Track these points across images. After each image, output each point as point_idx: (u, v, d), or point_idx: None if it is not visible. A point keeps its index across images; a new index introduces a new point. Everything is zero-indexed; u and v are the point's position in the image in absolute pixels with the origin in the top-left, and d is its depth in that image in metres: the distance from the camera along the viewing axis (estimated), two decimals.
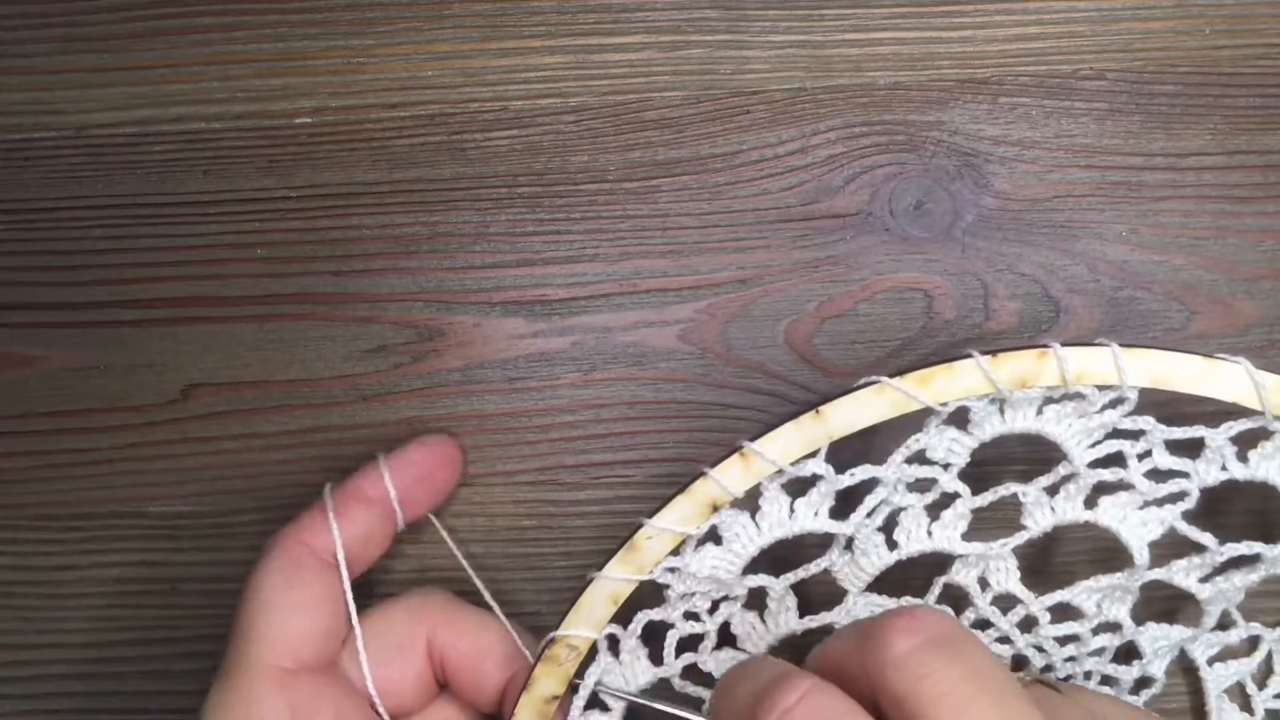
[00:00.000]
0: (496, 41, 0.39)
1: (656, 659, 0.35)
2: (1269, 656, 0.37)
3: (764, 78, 0.39)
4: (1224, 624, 0.37)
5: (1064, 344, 0.32)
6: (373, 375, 0.39)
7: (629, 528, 0.33)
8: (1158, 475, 0.33)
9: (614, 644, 0.34)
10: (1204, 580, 0.35)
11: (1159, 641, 0.36)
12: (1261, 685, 0.37)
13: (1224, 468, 0.33)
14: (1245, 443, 0.33)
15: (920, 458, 0.33)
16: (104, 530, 0.39)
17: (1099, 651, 0.36)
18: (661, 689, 0.35)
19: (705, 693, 0.35)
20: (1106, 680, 0.37)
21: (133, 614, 0.39)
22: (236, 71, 0.39)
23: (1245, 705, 0.37)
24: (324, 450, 0.38)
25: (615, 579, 0.33)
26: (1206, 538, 0.34)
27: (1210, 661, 0.37)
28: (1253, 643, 0.37)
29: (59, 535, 0.39)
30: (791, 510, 0.33)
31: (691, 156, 0.38)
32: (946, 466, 0.33)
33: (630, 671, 0.34)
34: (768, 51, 0.39)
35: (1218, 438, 0.33)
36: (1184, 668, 0.38)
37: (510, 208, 0.39)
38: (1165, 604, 0.38)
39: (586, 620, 0.33)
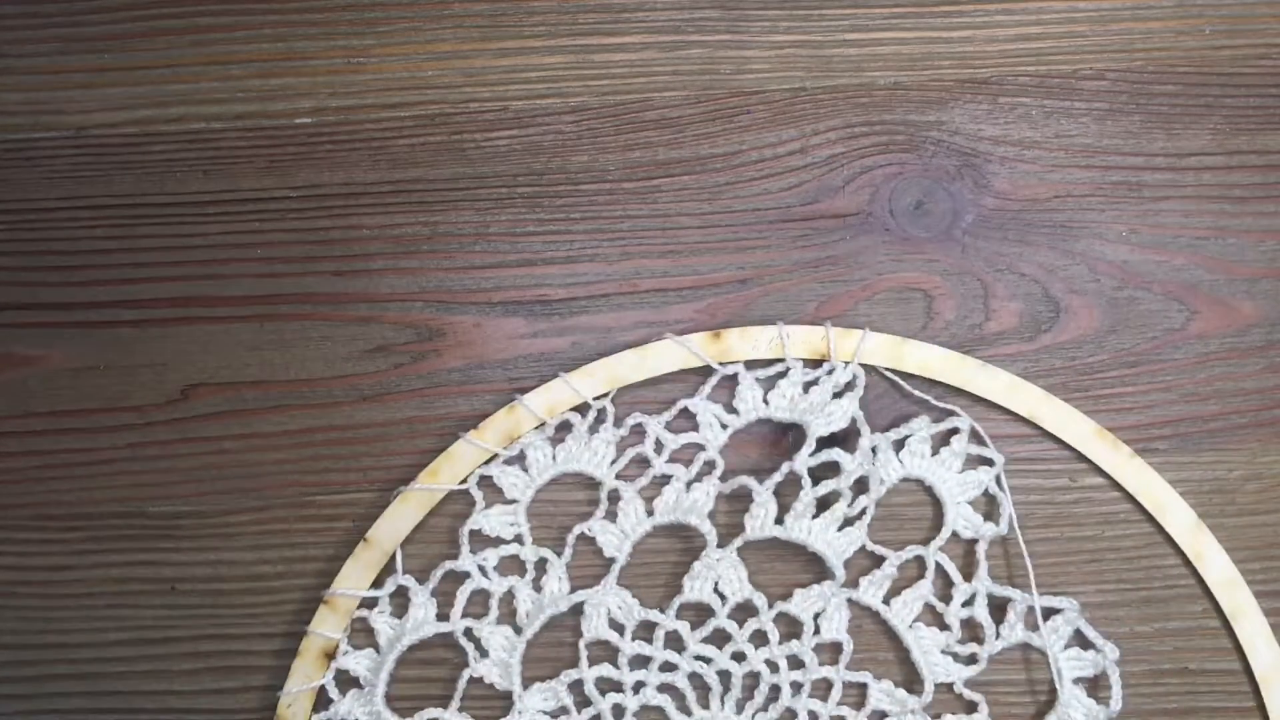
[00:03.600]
0: (496, 41, 0.39)
1: None
2: (941, 570, 0.37)
3: (764, 78, 0.39)
4: (877, 561, 0.37)
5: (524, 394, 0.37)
6: (373, 375, 0.39)
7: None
8: (680, 457, 0.37)
9: None
10: (779, 523, 0.37)
11: (811, 603, 0.37)
12: (945, 599, 0.37)
13: (723, 425, 0.37)
14: (729, 397, 0.37)
15: (484, 538, 0.38)
16: (104, 530, 0.39)
17: (762, 638, 0.37)
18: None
19: None
20: (795, 662, 0.37)
21: (132, 614, 0.39)
22: (236, 71, 0.39)
23: (942, 624, 0.37)
24: (324, 450, 0.38)
25: None
26: (748, 480, 0.37)
27: (887, 600, 0.37)
28: (919, 565, 0.37)
29: (59, 535, 0.39)
30: (404, 628, 0.37)
31: (691, 156, 0.39)
32: (519, 539, 0.37)
33: None
34: (768, 51, 0.39)
35: (697, 403, 0.37)
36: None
37: (510, 208, 0.39)
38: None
39: None
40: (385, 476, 0.38)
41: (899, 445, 0.37)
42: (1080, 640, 0.37)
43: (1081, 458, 0.37)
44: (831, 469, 0.37)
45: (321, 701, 0.38)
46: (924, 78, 0.38)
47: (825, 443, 0.37)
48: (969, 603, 0.37)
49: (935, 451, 0.37)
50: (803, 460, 0.36)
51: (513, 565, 0.38)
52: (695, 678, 0.37)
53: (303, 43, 0.39)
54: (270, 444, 0.39)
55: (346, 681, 0.38)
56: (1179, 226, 0.38)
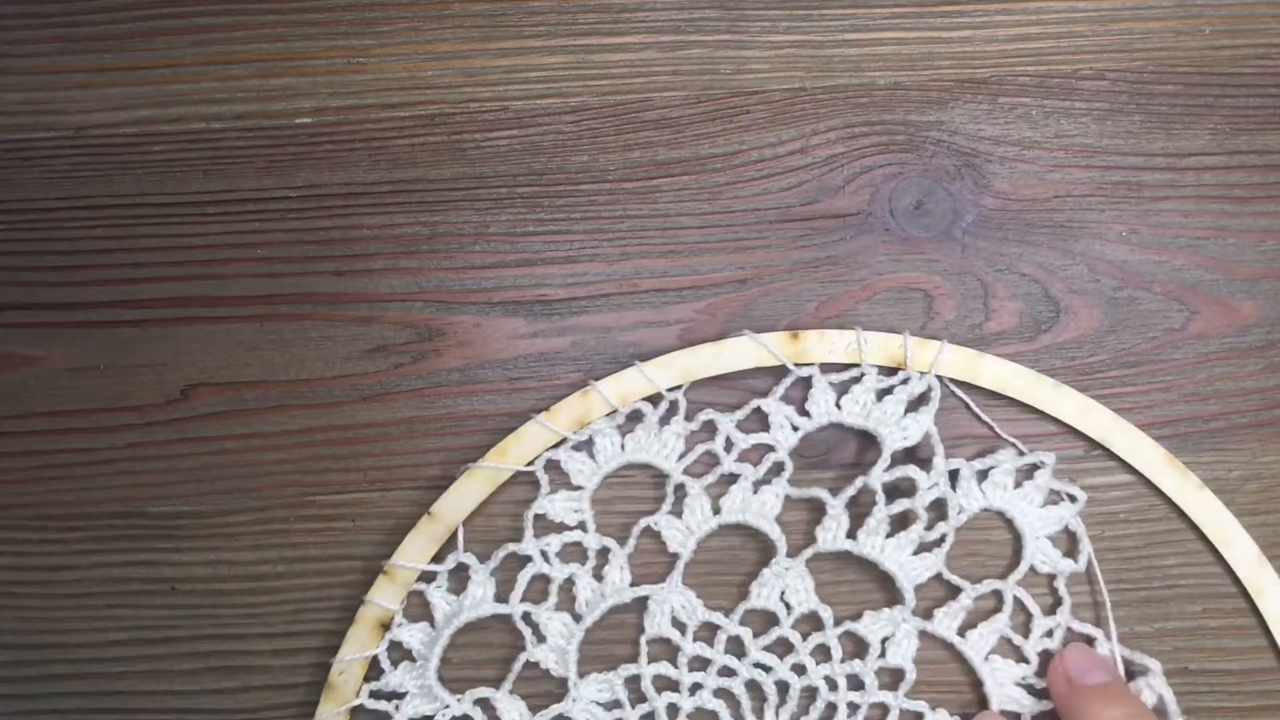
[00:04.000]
0: (496, 41, 0.39)
1: None
2: (1020, 603, 0.37)
3: (764, 78, 0.39)
4: (954, 591, 0.37)
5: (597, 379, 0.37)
6: (373, 375, 0.39)
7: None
8: (750, 456, 0.37)
9: None
10: (850, 536, 0.37)
11: (880, 628, 0.37)
12: (1025, 633, 0.37)
13: (794, 428, 0.37)
14: (801, 398, 0.37)
15: (548, 523, 0.37)
16: (104, 530, 0.39)
17: (825, 654, 0.37)
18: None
19: None
20: (855, 682, 0.37)
21: (132, 614, 0.39)
22: (236, 71, 0.39)
23: (1020, 657, 0.37)
24: (324, 450, 0.38)
25: (328, 717, 0.37)
26: (818, 492, 0.37)
27: (961, 632, 0.37)
28: (997, 598, 0.37)
29: (59, 535, 0.39)
30: (461, 605, 0.37)
31: (691, 156, 0.39)
32: (582, 526, 0.37)
33: None
34: (768, 51, 0.39)
35: (770, 404, 0.37)
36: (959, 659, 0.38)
37: (510, 208, 0.39)
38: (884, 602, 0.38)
39: None
40: (385, 477, 0.38)
41: (982, 475, 0.37)
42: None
43: (1146, 482, 0.37)
44: (903, 483, 0.37)
45: (373, 672, 0.37)
46: (924, 78, 0.38)
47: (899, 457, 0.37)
48: (1048, 635, 0.37)
49: (1018, 485, 0.37)
50: (877, 476, 0.36)
51: (574, 552, 0.38)
52: (752, 686, 0.37)
53: (303, 43, 0.39)
54: (270, 444, 0.39)
55: (399, 654, 0.38)
56: (1179, 226, 0.38)
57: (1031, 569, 0.37)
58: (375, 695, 0.37)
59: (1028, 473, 0.37)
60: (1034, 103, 0.38)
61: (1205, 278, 0.38)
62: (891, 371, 0.37)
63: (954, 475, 0.37)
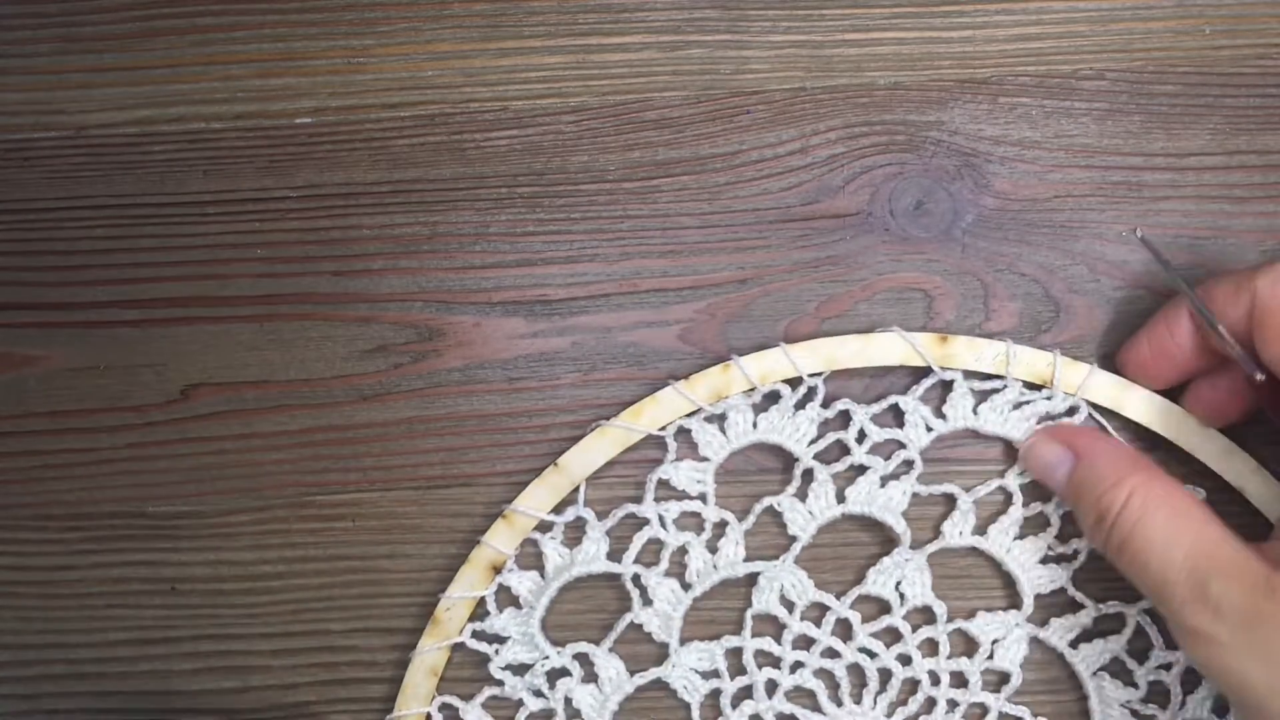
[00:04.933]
0: (496, 41, 0.39)
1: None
2: (1141, 630, 0.37)
3: (764, 78, 0.39)
4: (1075, 607, 0.37)
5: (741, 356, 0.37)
6: (373, 375, 0.39)
7: None
8: (880, 450, 0.37)
9: (454, 714, 0.38)
10: (978, 533, 0.37)
11: (992, 628, 0.37)
12: (1142, 660, 0.37)
13: (928, 428, 0.37)
14: (938, 400, 0.37)
15: (670, 489, 0.37)
16: (104, 530, 0.39)
17: (932, 647, 0.37)
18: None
19: None
20: (959, 679, 0.37)
21: (132, 614, 0.39)
22: (236, 71, 0.39)
23: (1129, 681, 0.37)
24: (324, 450, 0.38)
25: (428, 651, 0.37)
26: (951, 487, 0.37)
27: (1074, 644, 0.37)
28: (1119, 620, 0.37)
29: (59, 535, 0.39)
30: (573, 559, 0.37)
31: (691, 156, 0.39)
32: (704, 498, 0.37)
33: None
34: (768, 51, 0.39)
35: (909, 401, 0.37)
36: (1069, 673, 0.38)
37: (510, 208, 0.39)
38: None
39: (414, 697, 0.38)
40: (385, 477, 0.38)
41: None
42: None
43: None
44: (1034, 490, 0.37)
45: (478, 615, 0.38)
46: (924, 78, 0.38)
47: None
48: (1165, 667, 0.37)
49: None
50: (1013, 478, 0.37)
51: (691, 522, 0.37)
52: (854, 670, 0.37)
53: (303, 43, 0.39)
54: (270, 444, 0.39)
55: (506, 600, 0.38)
56: (1179, 226, 0.38)
57: None
58: (477, 636, 0.37)
59: None
60: (1034, 103, 0.38)
61: (1205, 278, 0.38)
62: (1035, 387, 0.37)
63: None
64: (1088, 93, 0.38)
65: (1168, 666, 0.37)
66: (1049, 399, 0.36)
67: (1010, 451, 0.37)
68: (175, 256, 0.39)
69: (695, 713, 0.37)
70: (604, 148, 0.39)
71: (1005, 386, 0.37)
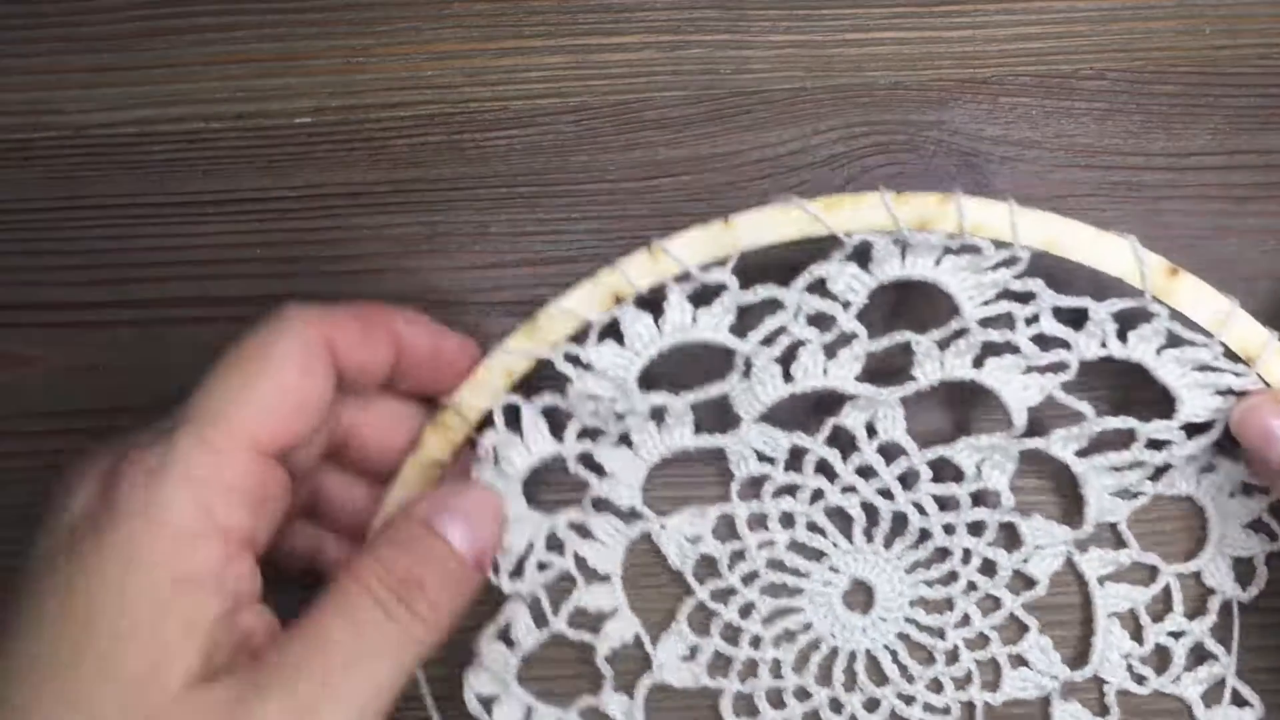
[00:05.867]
0: (496, 41, 0.39)
1: (557, 437, 0.35)
2: (1167, 591, 0.37)
3: (764, 78, 0.39)
4: (1118, 543, 0.37)
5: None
6: None
7: None
8: (1042, 341, 0.35)
9: (513, 420, 0.35)
10: (1081, 455, 0.36)
11: (1040, 534, 0.37)
12: (1158, 619, 0.37)
13: (1104, 344, 0.34)
14: (1126, 322, 0.34)
15: (821, 288, 0.34)
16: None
17: (978, 528, 0.37)
18: (555, 467, 0.36)
19: (594, 479, 0.36)
20: (987, 565, 0.37)
21: None
22: (236, 71, 0.39)
23: (1136, 634, 0.37)
24: None
25: (513, 353, 0.34)
26: (1084, 406, 0.35)
27: (1101, 580, 0.37)
28: (1151, 573, 0.37)
29: None
30: (694, 319, 0.34)
31: (691, 156, 0.38)
32: (846, 305, 0.34)
33: (529, 441, 0.35)
34: (768, 51, 0.39)
35: (1101, 311, 0.34)
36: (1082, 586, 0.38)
37: (510, 208, 0.39)
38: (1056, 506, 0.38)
39: (481, 392, 0.34)
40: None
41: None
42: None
43: None
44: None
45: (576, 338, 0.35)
46: (924, 78, 0.38)
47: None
48: (1176, 635, 0.37)
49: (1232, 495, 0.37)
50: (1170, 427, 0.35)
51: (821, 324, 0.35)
52: (894, 517, 0.37)
53: (303, 43, 0.39)
54: None
55: (613, 338, 0.34)
56: (1179, 226, 0.38)
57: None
58: (568, 358, 0.34)
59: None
60: (1034, 103, 0.38)
61: (1206, 278, 0.38)
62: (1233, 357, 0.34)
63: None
64: (1088, 93, 0.38)
65: (1178, 635, 0.37)
66: (1239, 375, 0.34)
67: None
68: (174, 256, 0.39)
69: (735, 484, 0.37)
70: (604, 148, 0.39)
71: (1208, 346, 0.34)
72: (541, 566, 0.36)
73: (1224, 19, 0.38)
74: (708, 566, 0.38)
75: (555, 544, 0.37)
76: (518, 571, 0.36)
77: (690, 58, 0.39)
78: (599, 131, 0.39)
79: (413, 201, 0.39)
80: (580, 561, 0.37)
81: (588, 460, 0.36)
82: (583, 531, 0.37)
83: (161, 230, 0.39)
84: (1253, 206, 0.38)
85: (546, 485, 0.37)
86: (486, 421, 0.35)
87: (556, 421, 0.35)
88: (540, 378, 0.34)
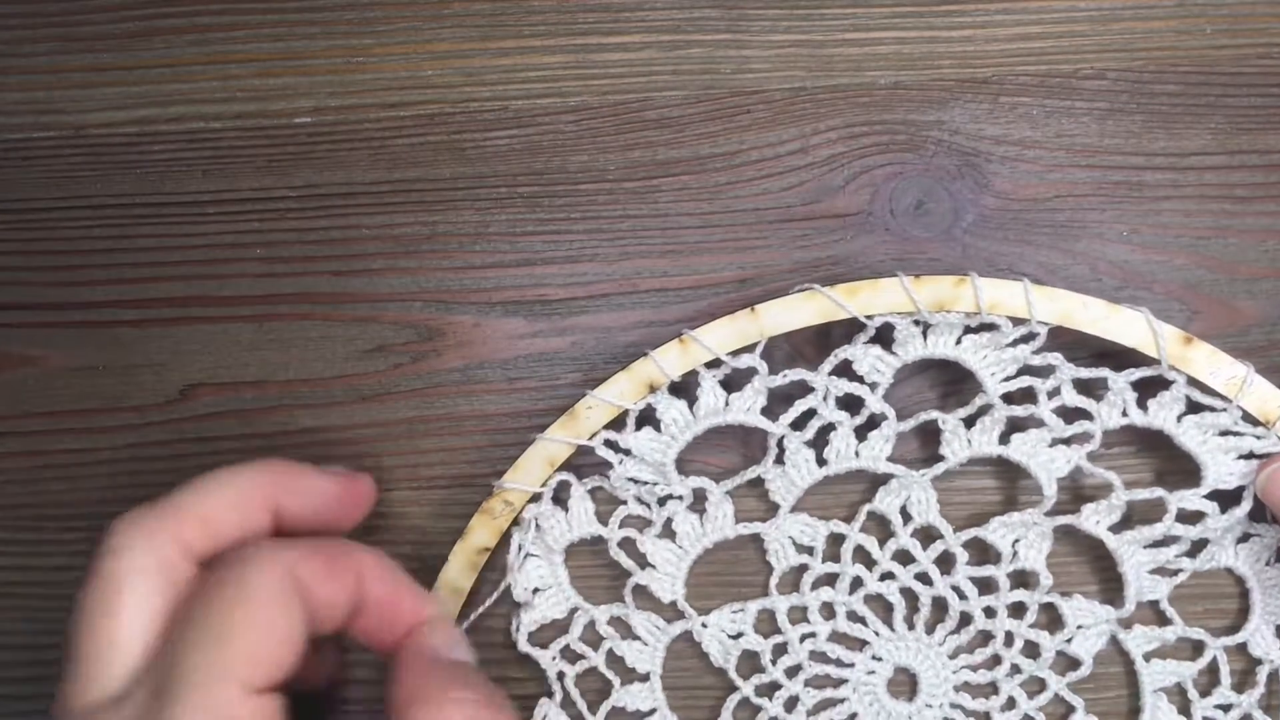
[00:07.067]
0: (496, 41, 0.39)
1: (601, 521, 0.37)
2: (1214, 664, 0.37)
3: (764, 78, 0.39)
4: (1161, 619, 0.37)
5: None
6: (372, 375, 0.38)
7: None
8: (1065, 413, 0.35)
9: (561, 500, 0.37)
10: (1114, 530, 0.36)
11: (1083, 614, 0.37)
12: (1205, 693, 0.37)
13: (1124, 413, 0.35)
14: (1146, 390, 0.35)
15: (848, 371, 0.35)
16: (104, 530, 0.39)
17: (1019, 609, 0.37)
18: (595, 549, 0.37)
19: (636, 568, 0.37)
20: (1030, 647, 0.37)
21: None
22: (236, 71, 0.39)
23: (1184, 709, 0.37)
24: (324, 450, 0.38)
25: (554, 441, 0.36)
26: (1112, 476, 0.36)
27: (1147, 657, 0.37)
28: (1196, 648, 0.37)
29: (58, 535, 0.39)
30: (727, 403, 0.35)
31: (691, 156, 0.38)
32: (874, 387, 0.35)
33: (573, 517, 0.37)
34: (768, 51, 0.39)
35: (1119, 381, 0.35)
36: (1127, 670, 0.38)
37: (510, 208, 0.39)
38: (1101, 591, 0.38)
39: (524, 478, 0.36)
40: (385, 477, 0.38)
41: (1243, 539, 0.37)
42: None
43: None
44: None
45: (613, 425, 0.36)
46: (924, 77, 0.38)
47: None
48: (1225, 708, 0.37)
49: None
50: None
51: (851, 406, 0.36)
52: (933, 603, 0.37)
53: (303, 42, 0.39)
54: (270, 444, 0.39)
55: (649, 424, 0.36)
56: (1180, 226, 0.38)
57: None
58: (608, 444, 0.36)
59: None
60: (1035, 102, 0.38)
61: (1206, 278, 0.38)
62: (1253, 421, 0.35)
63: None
64: (1088, 92, 0.38)
65: (1227, 708, 0.37)
66: (1260, 438, 0.35)
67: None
68: (174, 256, 0.39)
69: (775, 576, 0.37)
70: (604, 148, 0.39)
71: (1227, 411, 0.35)
72: (571, 657, 0.37)
73: (1224, 19, 0.38)
74: (750, 661, 0.38)
75: (590, 638, 0.37)
76: (542, 645, 0.37)
77: (690, 57, 0.39)
78: (599, 131, 0.39)
79: (413, 201, 0.39)
80: (616, 660, 0.37)
81: (630, 549, 0.37)
82: (622, 628, 0.37)
83: (161, 230, 0.39)
84: (1253, 206, 0.38)
85: (586, 568, 0.38)
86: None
87: (602, 508, 0.37)
88: (582, 465, 0.36)
